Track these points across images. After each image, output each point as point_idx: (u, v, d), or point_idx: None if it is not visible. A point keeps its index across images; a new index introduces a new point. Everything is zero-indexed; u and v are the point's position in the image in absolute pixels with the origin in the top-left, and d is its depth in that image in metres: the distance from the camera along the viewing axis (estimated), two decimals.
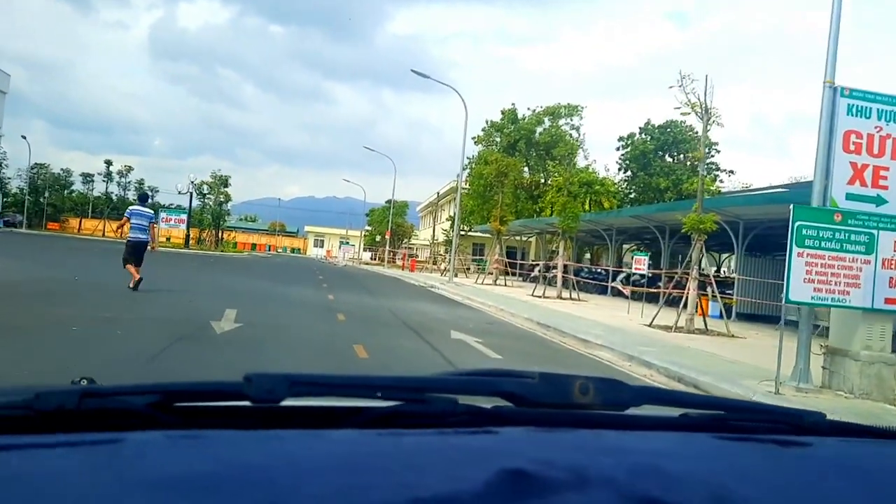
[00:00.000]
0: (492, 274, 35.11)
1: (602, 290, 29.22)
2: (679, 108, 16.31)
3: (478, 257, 68.45)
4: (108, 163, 74.68)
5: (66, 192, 79.69)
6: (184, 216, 42.20)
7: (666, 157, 59.82)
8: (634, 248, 53.90)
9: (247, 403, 0.97)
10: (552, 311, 17.68)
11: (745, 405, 1.42)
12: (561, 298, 23.82)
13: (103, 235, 74.38)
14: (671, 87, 16.46)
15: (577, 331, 13.24)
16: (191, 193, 43.68)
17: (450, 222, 64.27)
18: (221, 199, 52.65)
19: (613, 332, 13.78)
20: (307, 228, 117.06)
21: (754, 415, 1.27)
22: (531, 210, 61.46)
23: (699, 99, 16.03)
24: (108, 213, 76.79)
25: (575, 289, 24.38)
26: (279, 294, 16.56)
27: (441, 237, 73.50)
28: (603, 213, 30.32)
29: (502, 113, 62.62)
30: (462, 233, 66.87)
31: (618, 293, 28.71)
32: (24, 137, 67.33)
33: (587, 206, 58.88)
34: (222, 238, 59.25)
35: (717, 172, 59.75)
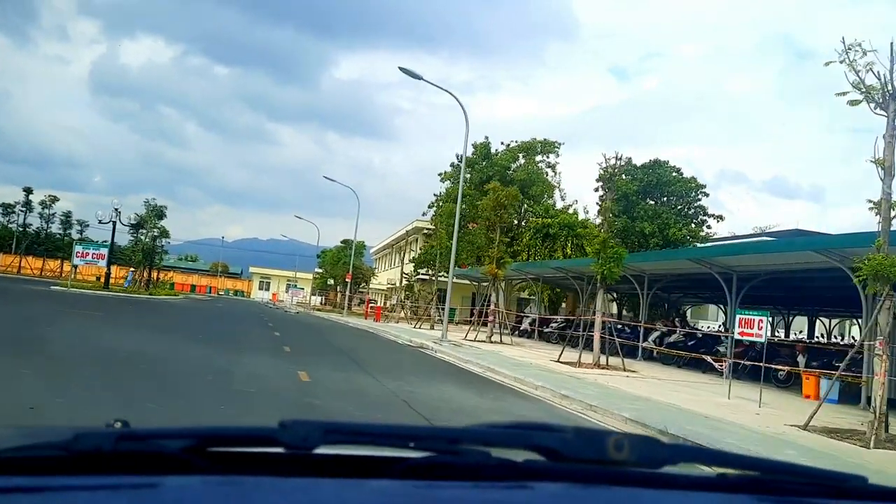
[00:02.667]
0: (482, 328, 29.01)
1: (630, 352, 23.26)
2: (846, 93, 10.73)
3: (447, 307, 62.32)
4: (28, 191, 66.26)
5: None
6: (104, 251, 34.55)
7: (648, 200, 55.20)
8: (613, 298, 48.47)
9: (281, 450, 0.95)
10: (637, 399, 11.66)
11: (784, 467, 1.23)
12: (599, 366, 17.85)
13: (18, 272, 65.60)
14: (828, 63, 10.95)
15: (747, 451, 7.23)
16: (114, 223, 36.19)
17: (413, 265, 58.15)
18: (156, 234, 45.20)
19: (801, 451, 7.84)
20: (252, 270, 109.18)
21: (795, 477, 1.19)
22: (505, 252, 55.87)
23: (880, 77, 10.48)
24: (26, 247, 68.11)
25: (619, 353, 18.42)
26: (216, 372, 10.07)
27: (404, 282, 67.10)
28: (640, 255, 24.66)
29: (474, 147, 57.25)
30: (424, 277, 60.66)
31: (649, 356, 22.80)
32: None
33: (568, 251, 53.71)
34: (157, 278, 51.65)
35: (704, 217, 55.51)
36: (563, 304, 49.21)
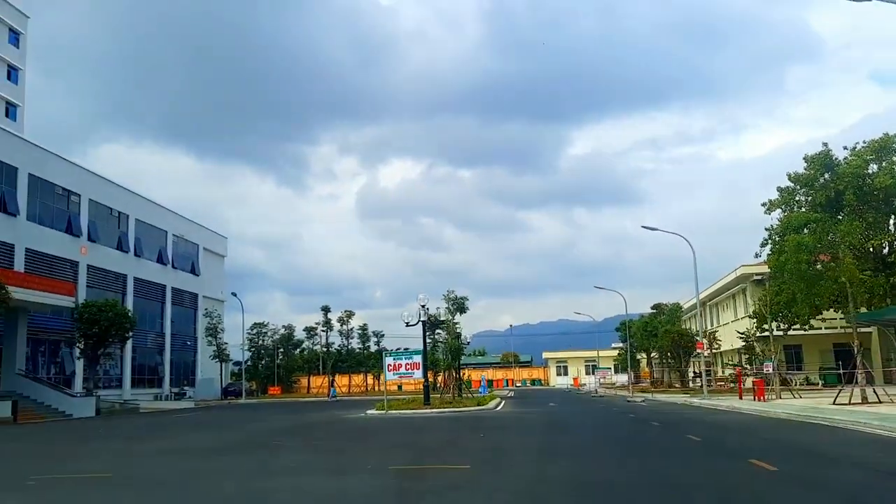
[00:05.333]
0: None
1: None
2: None
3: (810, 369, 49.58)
4: (326, 309, 66.43)
5: (297, 350, 72.93)
6: (417, 359, 28.80)
7: None
8: None
9: None
10: None
11: None
12: None
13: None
14: None
15: None
16: (423, 324, 30.65)
17: (755, 319, 46.45)
18: (458, 330, 39.77)
19: None
20: (545, 355, 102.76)
21: None
22: (884, 287, 42.47)
23: None
24: (333, 366, 67.83)
25: None
26: None
27: (732, 343, 55.54)
28: None
29: (806, 160, 45.46)
30: (765, 333, 48.68)
31: None
32: (234, 294, 60.74)
33: None
34: (461, 378, 45.98)
35: None
36: None
